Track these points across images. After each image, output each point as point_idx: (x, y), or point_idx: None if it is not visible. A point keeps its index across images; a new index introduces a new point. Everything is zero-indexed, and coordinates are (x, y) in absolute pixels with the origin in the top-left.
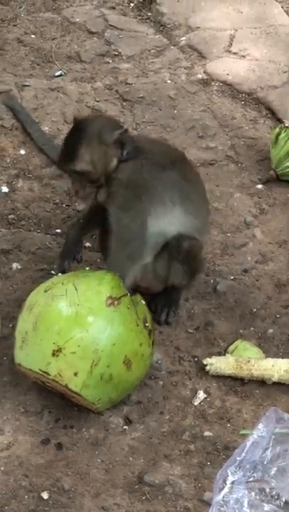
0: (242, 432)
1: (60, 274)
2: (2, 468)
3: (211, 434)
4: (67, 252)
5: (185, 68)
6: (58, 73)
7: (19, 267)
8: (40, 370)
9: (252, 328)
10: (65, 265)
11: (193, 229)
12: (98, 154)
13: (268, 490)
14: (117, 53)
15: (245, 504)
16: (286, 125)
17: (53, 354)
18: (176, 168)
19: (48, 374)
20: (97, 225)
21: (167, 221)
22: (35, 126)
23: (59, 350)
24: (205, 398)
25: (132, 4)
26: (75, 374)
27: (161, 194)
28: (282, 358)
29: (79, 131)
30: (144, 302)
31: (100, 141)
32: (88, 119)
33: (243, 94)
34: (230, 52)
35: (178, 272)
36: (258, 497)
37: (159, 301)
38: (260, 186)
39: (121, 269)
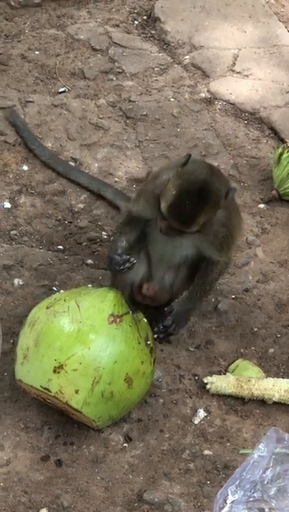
0: (242, 451)
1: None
2: (1, 484)
3: (211, 452)
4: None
5: (188, 87)
6: (61, 90)
7: (21, 283)
8: (41, 386)
9: (253, 348)
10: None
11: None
12: (211, 215)
13: (267, 510)
14: (120, 71)
15: None
16: None
17: (54, 371)
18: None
19: (49, 391)
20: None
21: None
22: (37, 143)
23: (60, 367)
24: (205, 417)
25: (136, 22)
26: (76, 391)
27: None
28: (283, 377)
29: (201, 198)
30: (145, 320)
31: (216, 206)
32: (209, 181)
33: (246, 114)
34: (233, 71)
35: (184, 281)
36: None
37: (160, 319)
38: (262, 206)
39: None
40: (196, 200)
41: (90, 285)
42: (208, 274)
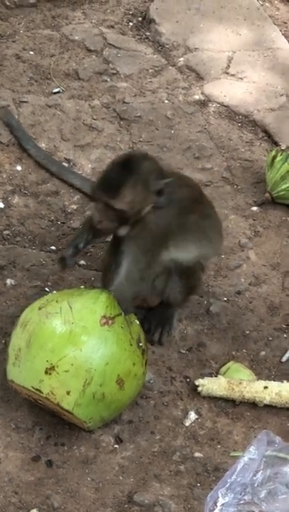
0: (233, 453)
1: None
2: None
3: (202, 455)
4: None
5: (182, 89)
6: (55, 90)
7: (13, 283)
8: (32, 387)
9: (244, 350)
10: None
11: (203, 257)
12: (139, 198)
13: None
14: (115, 72)
15: None
16: (282, 148)
17: (46, 372)
18: (197, 209)
19: (41, 392)
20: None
21: (183, 256)
22: (31, 143)
23: (52, 368)
24: (196, 419)
25: (130, 23)
26: (68, 392)
27: (183, 240)
28: (274, 380)
29: (128, 169)
30: (137, 322)
31: (144, 187)
32: (138, 159)
33: (240, 116)
34: (227, 74)
35: (175, 286)
36: None
37: (152, 320)
38: (255, 208)
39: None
40: (121, 170)
41: (82, 286)
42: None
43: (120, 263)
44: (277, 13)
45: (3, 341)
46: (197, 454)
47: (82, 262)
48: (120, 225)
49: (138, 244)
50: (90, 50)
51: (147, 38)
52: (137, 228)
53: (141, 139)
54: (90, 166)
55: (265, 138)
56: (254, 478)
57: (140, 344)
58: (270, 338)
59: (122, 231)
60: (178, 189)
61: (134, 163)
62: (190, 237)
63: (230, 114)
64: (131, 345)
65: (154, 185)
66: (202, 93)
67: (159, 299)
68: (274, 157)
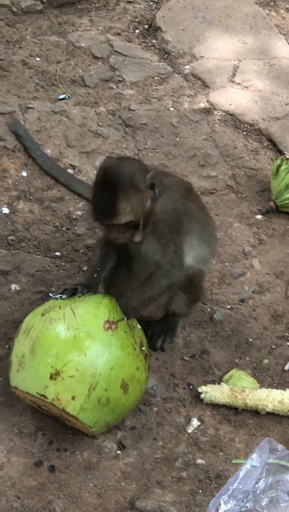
0: (235, 461)
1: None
2: None
3: (204, 462)
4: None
5: (188, 96)
6: (61, 97)
7: (18, 289)
8: (37, 393)
9: (247, 358)
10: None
11: (202, 258)
12: (136, 202)
13: None
14: (121, 79)
15: None
16: (287, 157)
17: (51, 377)
18: (192, 199)
19: (46, 397)
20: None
21: (190, 252)
22: (39, 152)
23: (57, 373)
24: (198, 426)
25: (137, 31)
26: (73, 397)
27: (191, 226)
28: (277, 388)
29: (112, 183)
30: (139, 326)
31: (136, 190)
32: (116, 166)
33: (245, 125)
34: (233, 82)
35: (179, 300)
36: None
37: (155, 327)
38: (259, 217)
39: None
40: (106, 187)
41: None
42: (153, 278)
43: (150, 266)
44: (283, 22)
45: (6, 346)
46: (199, 461)
47: (86, 268)
48: (135, 231)
49: (158, 237)
50: (96, 57)
51: (153, 45)
52: (149, 225)
53: (146, 146)
54: (95, 172)
55: (270, 147)
56: (256, 485)
57: (143, 348)
58: (273, 346)
59: (137, 237)
60: (166, 178)
61: (114, 174)
62: (197, 228)
63: (236, 122)
64: (134, 349)
65: (142, 183)
66: (207, 101)
67: (163, 313)
68: (279, 166)
